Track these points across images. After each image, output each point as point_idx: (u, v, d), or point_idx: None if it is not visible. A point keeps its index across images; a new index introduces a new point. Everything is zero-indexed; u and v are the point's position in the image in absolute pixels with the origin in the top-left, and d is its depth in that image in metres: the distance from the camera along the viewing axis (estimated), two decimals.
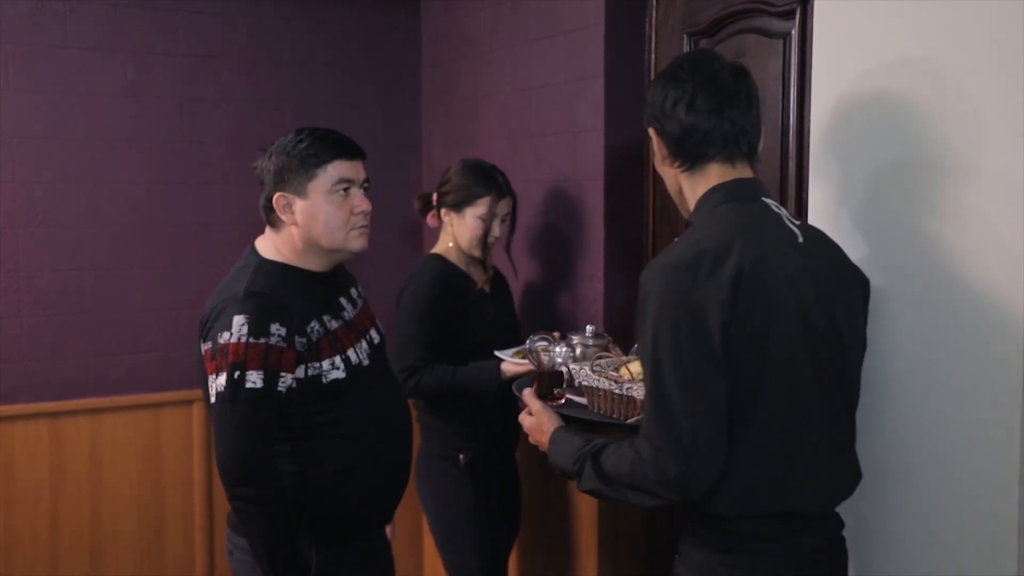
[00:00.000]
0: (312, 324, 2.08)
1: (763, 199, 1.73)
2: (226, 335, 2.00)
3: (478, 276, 2.89)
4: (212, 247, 3.58)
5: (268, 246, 2.17)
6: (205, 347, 2.05)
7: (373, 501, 2.20)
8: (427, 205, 2.95)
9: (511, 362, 2.65)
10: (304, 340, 2.05)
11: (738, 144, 1.73)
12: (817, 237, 1.77)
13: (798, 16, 2.36)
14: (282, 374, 2.00)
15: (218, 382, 1.99)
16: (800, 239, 1.70)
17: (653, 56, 2.88)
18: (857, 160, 1.92)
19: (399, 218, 3.97)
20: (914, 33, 1.80)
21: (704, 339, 1.58)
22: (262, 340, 1.99)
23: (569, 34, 3.06)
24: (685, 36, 2.73)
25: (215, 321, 2.04)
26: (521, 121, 3.34)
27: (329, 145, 2.13)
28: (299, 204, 2.11)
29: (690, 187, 1.77)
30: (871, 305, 1.84)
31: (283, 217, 2.12)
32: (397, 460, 2.24)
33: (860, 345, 1.78)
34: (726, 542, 1.67)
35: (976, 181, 1.70)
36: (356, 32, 3.84)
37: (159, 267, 3.55)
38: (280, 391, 2.01)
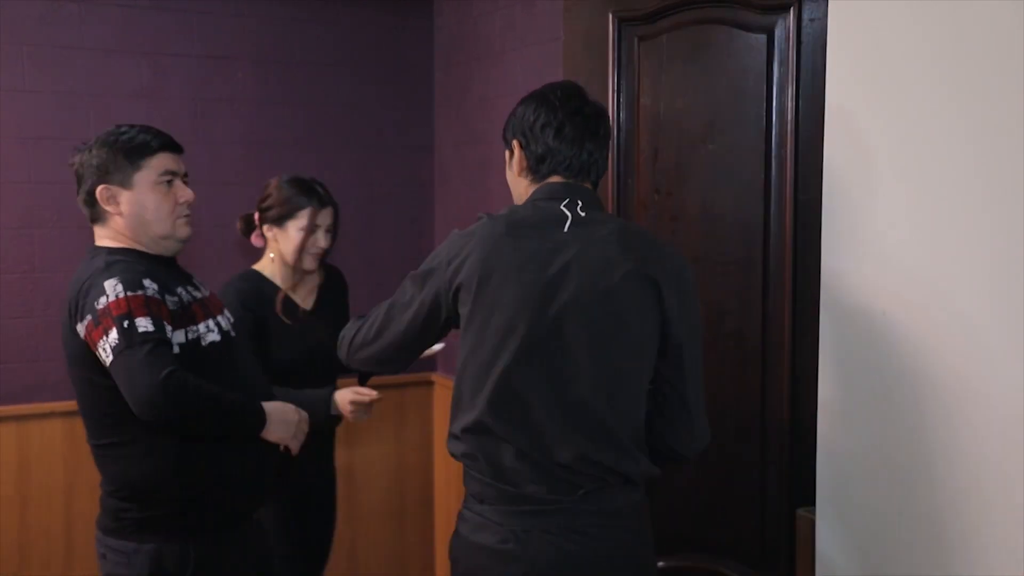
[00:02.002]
0: (179, 288, 2.18)
1: (562, 206, 1.89)
2: (102, 299, 2.05)
3: (302, 290, 2.89)
4: (225, 247, 3.59)
5: (103, 240, 2.24)
6: (84, 322, 2.07)
7: (248, 479, 2.25)
8: (249, 225, 2.92)
9: (349, 391, 2.74)
10: (176, 300, 2.14)
11: (588, 173, 1.96)
12: (601, 236, 1.87)
13: (792, 13, 2.24)
14: (165, 323, 2.06)
15: (110, 338, 2.02)
16: (566, 229, 1.87)
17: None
18: (875, 164, 1.92)
19: (409, 219, 3.98)
20: (935, 34, 1.79)
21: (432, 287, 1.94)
22: (139, 292, 2.06)
23: None
24: (615, 19, 2.51)
25: (86, 297, 2.09)
26: None
27: (153, 138, 2.22)
28: (125, 195, 2.19)
29: (527, 192, 1.98)
30: (877, 307, 1.84)
31: (108, 208, 2.19)
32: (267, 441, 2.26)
33: (629, 324, 1.85)
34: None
35: (998, 184, 1.70)
36: (369, 33, 3.85)
37: None
38: (170, 340, 2.06)
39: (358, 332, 2.09)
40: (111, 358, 2.02)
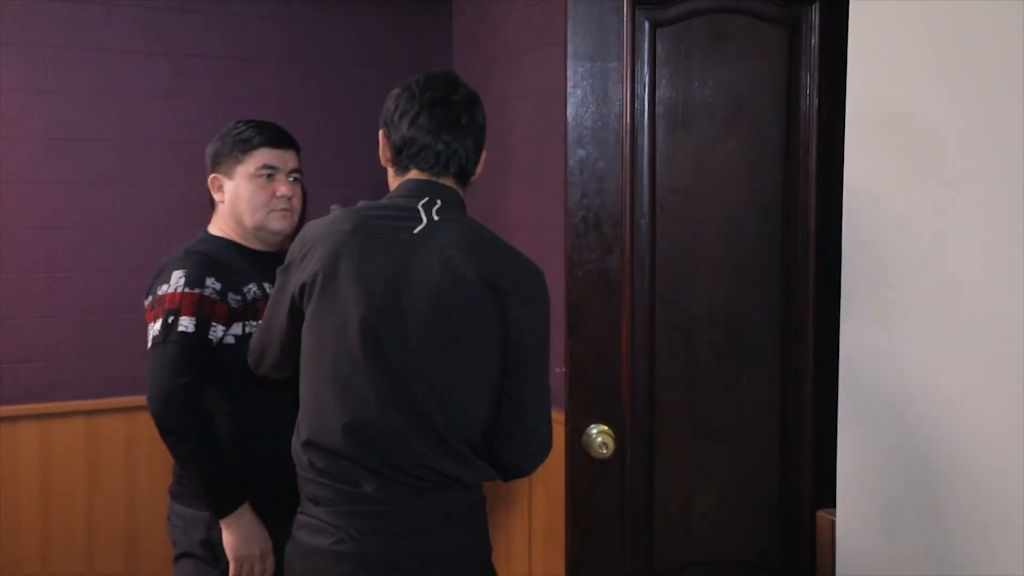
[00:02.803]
0: (250, 285, 2.29)
1: (419, 204, 1.88)
2: (164, 287, 2.22)
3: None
4: None
5: (213, 226, 2.41)
6: (147, 300, 2.26)
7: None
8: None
9: None
10: (239, 298, 2.25)
11: (447, 165, 1.93)
12: (448, 241, 1.86)
13: (818, 7, 2.20)
14: (213, 324, 2.20)
15: (154, 328, 2.19)
16: (415, 231, 1.85)
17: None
18: (897, 162, 1.90)
19: None
20: (963, 33, 1.78)
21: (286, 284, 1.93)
22: (196, 290, 2.19)
23: None
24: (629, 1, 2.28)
25: (156, 278, 2.27)
26: (552, 122, 3.34)
27: (259, 133, 2.37)
28: (228, 185, 2.36)
29: (394, 183, 1.99)
30: (898, 308, 1.83)
31: (215, 196, 2.37)
32: None
33: (467, 333, 1.83)
34: None
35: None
36: (388, 34, 3.86)
37: None
38: (211, 340, 2.20)
39: (254, 341, 2.11)
40: (149, 344, 2.20)
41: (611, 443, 2.21)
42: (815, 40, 2.24)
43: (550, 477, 3.39)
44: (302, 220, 2.90)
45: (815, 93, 2.24)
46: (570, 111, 2.19)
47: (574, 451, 2.22)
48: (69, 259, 3.43)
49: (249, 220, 2.33)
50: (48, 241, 3.40)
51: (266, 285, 2.30)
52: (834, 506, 2.06)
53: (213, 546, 2.29)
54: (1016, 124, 1.66)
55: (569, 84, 2.19)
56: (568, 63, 2.18)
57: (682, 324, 2.28)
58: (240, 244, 2.36)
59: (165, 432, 2.18)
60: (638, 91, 2.22)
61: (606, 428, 2.22)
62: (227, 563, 2.27)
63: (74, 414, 3.42)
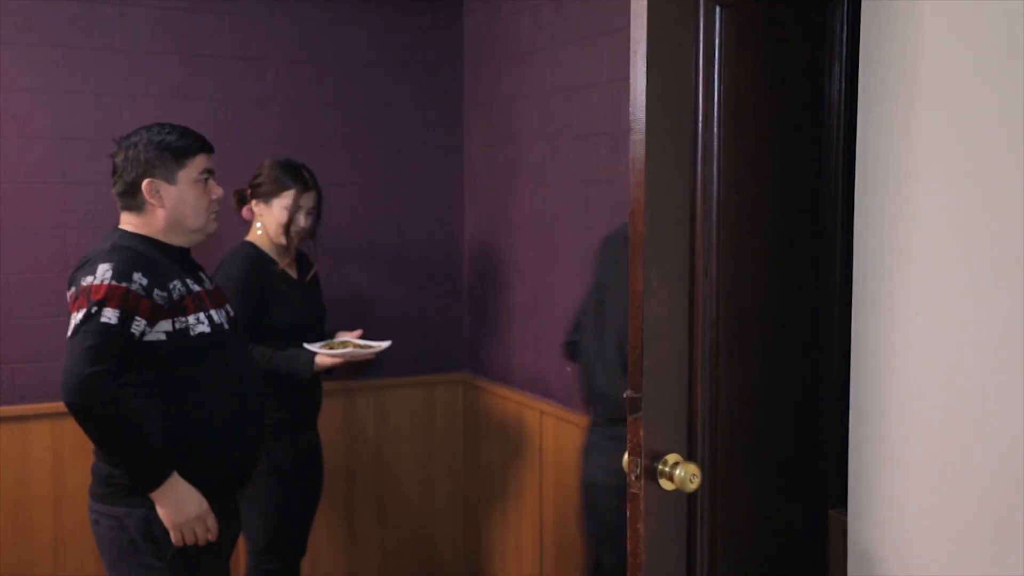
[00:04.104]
0: (174, 282, 2.35)
1: None
2: (89, 278, 2.25)
3: (285, 262, 3.16)
4: None
5: (127, 224, 2.42)
6: (70, 292, 2.31)
7: (232, 461, 2.44)
8: (242, 199, 3.21)
9: (324, 354, 3.01)
10: (165, 295, 2.31)
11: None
12: None
13: None
14: (136, 318, 2.24)
15: (77, 316, 2.23)
16: None
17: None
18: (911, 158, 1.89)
19: (438, 219, 3.99)
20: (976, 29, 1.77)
21: None
22: (123, 284, 2.24)
23: (612, 34, 3.05)
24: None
25: (79, 269, 2.31)
26: (563, 122, 3.34)
27: (194, 140, 2.45)
28: (169, 190, 2.39)
29: None
30: (910, 306, 1.82)
31: (151, 200, 2.39)
32: (253, 424, 2.49)
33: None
34: None
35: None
36: (399, 33, 3.87)
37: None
38: (132, 333, 2.24)
39: None
40: (69, 333, 2.24)
41: (697, 474, 1.94)
42: (844, 30, 2.16)
43: (562, 483, 3.39)
44: (318, 222, 3.19)
45: (843, 84, 2.17)
46: (635, 99, 1.95)
47: (650, 486, 1.95)
48: (79, 258, 3.42)
49: (193, 223, 2.43)
50: (59, 241, 3.42)
51: (189, 281, 2.39)
52: (845, 505, 2.05)
53: (156, 539, 2.32)
54: None
55: (634, 69, 1.95)
56: (633, 45, 1.93)
57: (738, 330, 2.12)
58: (160, 241, 2.41)
59: (81, 417, 2.23)
60: (704, 77, 2.02)
61: (678, 457, 1.95)
62: (173, 551, 2.31)
63: None
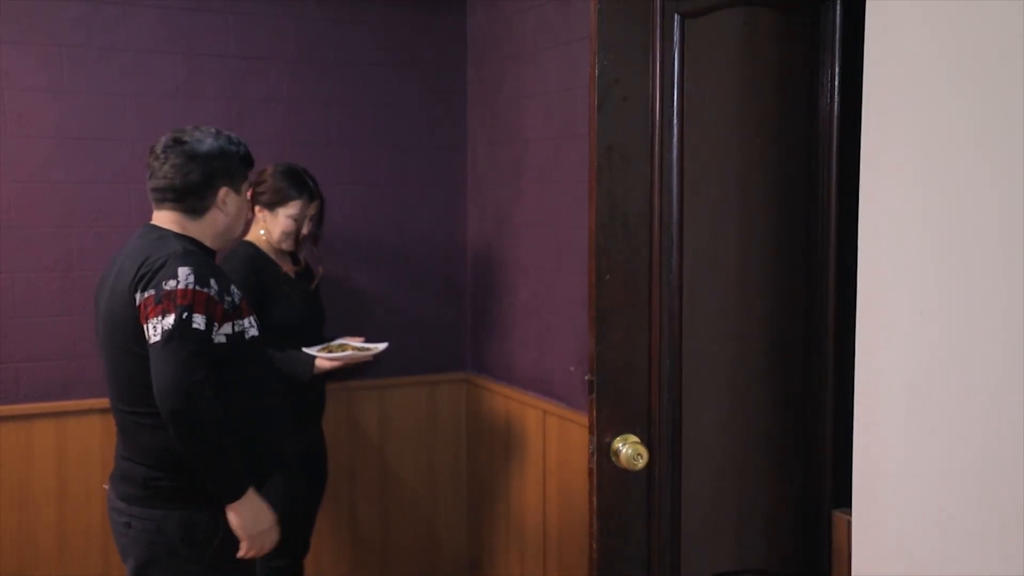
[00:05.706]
0: (232, 287, 2.38)
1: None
2: (172, 282, 2.23)
3: (285, 264, 3.21)
4: None
5: (171, 225, 2.41)
6: (147, 294, 2.24)
7: (275, 449, 2.49)
8: None
9: (323, 357, 3.04)
10: (230, 299, 2.34)
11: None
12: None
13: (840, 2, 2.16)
14: (215, 323, 2.27)
15: (164, 322, 2.19)
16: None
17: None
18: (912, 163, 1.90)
19: (441, 219, 3.99)
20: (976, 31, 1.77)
21: None
22: (205, 289, 2.25)
23: None
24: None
25: (157, 272, 2.25)
26: (566, 122, 3.34)
27: (248, 151, 2.51)
28: (235, 200, 2.44)
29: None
30: (914, 307, 1.82)
31: (218, 208, 2.41)
32: (287, 418, 2.55)
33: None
34: None
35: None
36: (402, 33, 3.87)
37: None
38: (213, 339, 2.26)
39: None
40: (158, 339, 2.19)
41: (644, 454, 2.11)
42: (837, 36, 2.20)
43: (566, 483, 3.39)
44: (320, 227, 3.29)
45: (836, 90, 2.21)
46: (597, 104, 2.05)
47: (602, 462, 2.12)
48: (84, 258, 3.44)
49: (239, 231, 2.56)
50: (64, 240, 3.42)
51: (233, 287, 2.41)
52: (850, 506, 2.06)
53: (197, 541, 2.32)
54: None
55: (596, 76, 2.04)
56: (596, 54, 2.04)
57: (707, 326, 2.22)
58: (206, 246, 2.44)
59: (186, 427, 2.18)
60: (666, 84, 2.11)
61: (636, 439, 2.12)
62: (211, 553, 2.32)
63: (90, 412, 3.44)
